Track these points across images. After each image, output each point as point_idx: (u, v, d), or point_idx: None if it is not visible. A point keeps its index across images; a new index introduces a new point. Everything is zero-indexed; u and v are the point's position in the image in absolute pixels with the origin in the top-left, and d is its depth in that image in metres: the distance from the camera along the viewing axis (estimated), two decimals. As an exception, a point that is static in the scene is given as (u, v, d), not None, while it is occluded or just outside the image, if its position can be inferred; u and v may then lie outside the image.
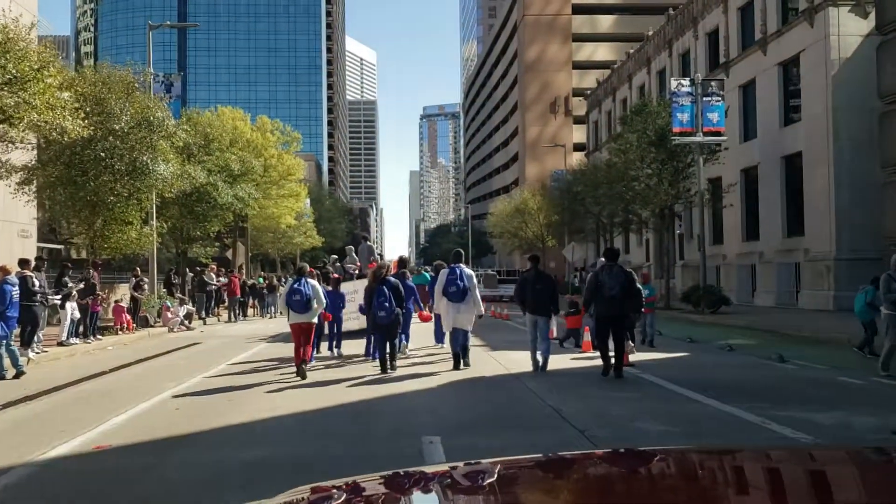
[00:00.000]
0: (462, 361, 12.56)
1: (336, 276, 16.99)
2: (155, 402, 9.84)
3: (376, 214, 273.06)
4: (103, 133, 18.74)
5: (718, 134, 28.53)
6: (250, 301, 34.45)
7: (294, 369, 12.19)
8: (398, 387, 10.74)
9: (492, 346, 16.45)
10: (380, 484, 2.02)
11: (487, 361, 13.58)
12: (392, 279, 12.90)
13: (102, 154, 18.71)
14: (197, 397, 10.20)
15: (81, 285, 17.68)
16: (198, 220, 28.26)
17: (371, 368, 12.95)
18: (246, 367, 13.97)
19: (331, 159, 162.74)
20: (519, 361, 13.18)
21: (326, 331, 15.55)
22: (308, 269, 13.52)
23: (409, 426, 7.81)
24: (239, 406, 9.28)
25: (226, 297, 29.99)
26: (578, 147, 72.21)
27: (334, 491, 1.89)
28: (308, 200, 59.90)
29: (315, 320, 12.52)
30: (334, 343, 15.65)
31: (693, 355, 14.67)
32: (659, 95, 36.25)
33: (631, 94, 50.24)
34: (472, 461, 2.21)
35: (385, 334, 12.32)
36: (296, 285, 12.15)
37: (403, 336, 15.62)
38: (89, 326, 18.16)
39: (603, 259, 12.22)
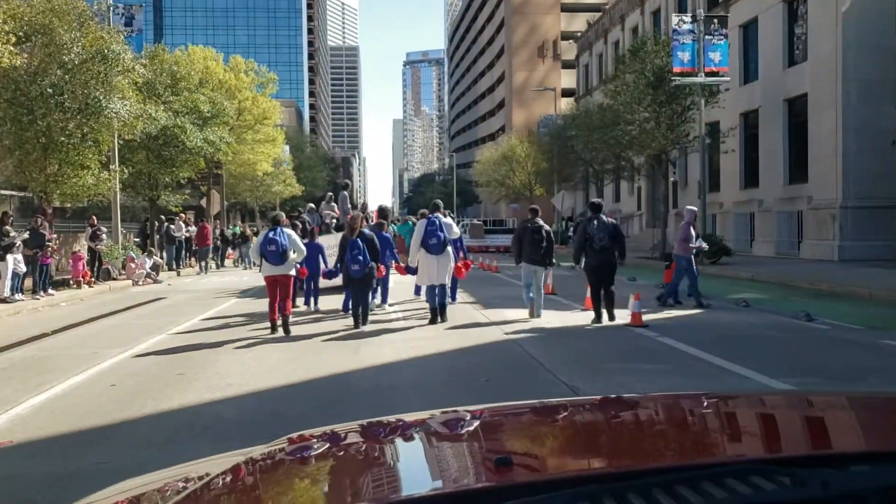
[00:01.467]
0: (440, 317, 12.00)
1: (312, 226, 15.36)
2: (91, 374, 8.28)
3: (359, 164, 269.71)
4: (50, 66, 16.79)
5: (720, 74, 26.84)
6: (228, 251, 32.94)
7: (265, 327, 11.20)
8: (378, 353, 9.20)
9: (484, 302, 14.93)
10: (359, 432, 2.00)
11: (480, 322, 12.06)
12: (367, 231, 12.09)
13: (50, 90, 16.78)
14: (142, 368, 8.64)
15: (26, 235, 15.95)
16: (165, 166, 26.34)
17: (345, 324, 11.51)
18: (209, 325, 12.45)
19: (312, 107, 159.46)
20: (516, 322, 11.72)
21: (305, 286, 14.26)
22: (283, 217, 12.06)
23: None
24: (188, 382, 7.73)
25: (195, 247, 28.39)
26: (567, 93, 70.09)
27: (314, 440, 1.90)
28: (287, 148, 57.76)
29: (293, 272, 11.56)
30: (312, 298, 14.47)
31: (707, 313, 13.23)
32: (654, 36, 34.30)
33: (624, 36, 48.13)
34: (452, 409, 2.19)
35: (359, 288, 11.63)
36: (271, 234, 11.21)
37: (382, 292, 14.46)
38: (39, 281, 16.49)
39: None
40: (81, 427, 6.06)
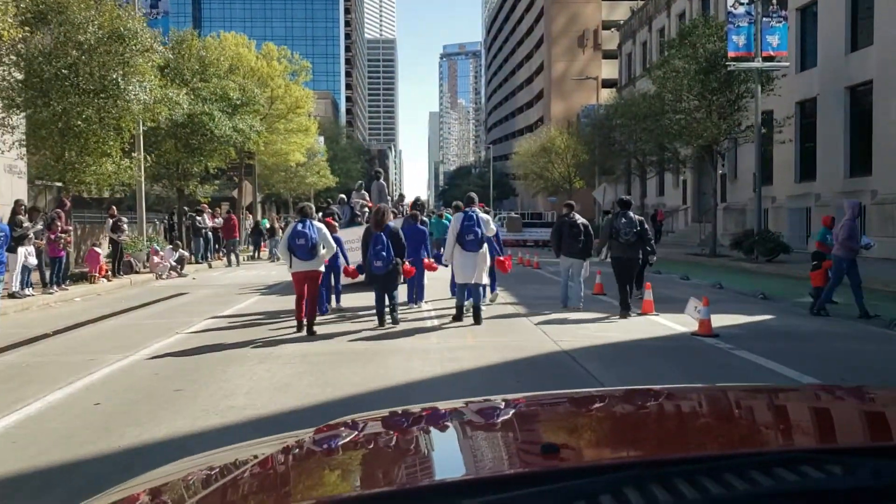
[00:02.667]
0: (475, 320, 11.11)
1: (329, 219, 14.10)
2: (78, 387, 7.15)
3: (395, 156, 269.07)
4: (65, 46, 15.80)
5: (777, 59, 25.08)
6: (263, 243, 32.02)
7: (287, 326, 10.46)
8: (407, 367, 7.93)
9: (526, 304, 13.58)
10: (385, 419, 2.00)
11: (525, 329, 10.72)
12: (392, 224, 11.02)
13: (65, 71, 15.78)
14: (137, 381, 7.49)
15: (40, 226, 14.99)
16: (193, 155, 25.35)
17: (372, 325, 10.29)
18: (227, 325, 11.33)
19: (349, 99, 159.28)
20: (565, 327, 10.39)
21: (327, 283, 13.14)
22: (312, 209, 10.99)
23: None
24: (185, 401, 6.55)
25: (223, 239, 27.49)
26: (607, 83, 68.03)
27: (342, 429, 1.91)
28: (322, 138, 56.79)
29: (322, 268, 10.78)
30: (334, 295, 13.46)
31: (781, 319, 11.76)
32: (705, 19, 32.41)
33: (670, 22, 46.19)
34: (486, 398, 2.24)
35: (382, 287, 10.79)
36: (299, 227, 10.35)
37: (418, 289, 13.33)
38: (53, 274, 15.54)
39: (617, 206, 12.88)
40: (37, 465, 4.88)
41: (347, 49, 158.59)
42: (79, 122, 16.31)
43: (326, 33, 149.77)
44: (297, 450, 1.74)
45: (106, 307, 14.17)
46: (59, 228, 15.41)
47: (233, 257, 26.28)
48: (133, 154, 19.42)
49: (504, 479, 1.33)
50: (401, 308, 12.43)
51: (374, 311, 11.13)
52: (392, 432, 1.87)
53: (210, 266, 25.60)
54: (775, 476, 1.12)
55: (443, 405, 2.07)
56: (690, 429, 1.79)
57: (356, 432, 1.89)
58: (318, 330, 10.50)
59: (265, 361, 8.25)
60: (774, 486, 1.09)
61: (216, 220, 26.81)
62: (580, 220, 12.77)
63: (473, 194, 11.83)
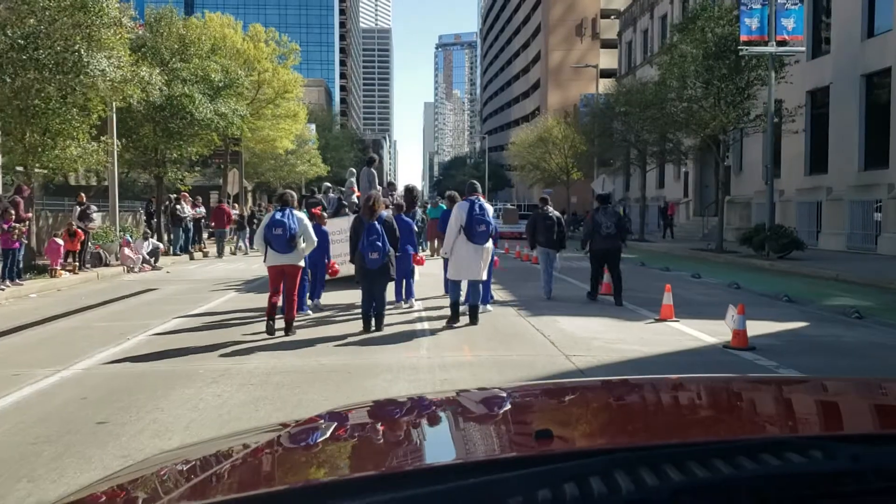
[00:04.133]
0: (471, 320, 10.02)
1: (317, 209, 12.73)
2: (-20, 415, 5.75)
3: (390, 146, 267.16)
4: (22, 14, 14.32)
5: (791, 44, 23.71)
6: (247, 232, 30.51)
7: (257, 331, 9.29)
8: (389, 390, 6.54)
9: (528, 305, 12.17)
10: (371, 410, 2.00)
11: (531, 337, 9.31)
12: (385, 213, 9.77)
13: (21, 41, 14.28)
14: (56, 408, 6.09)
15: (-10, 215, 13.54)
16: (172, 140, 23.85)
17: (355, 328, 8.88)
18: (190, 326, 9.93)
19: (343, 88, 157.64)
20: (577, 335, 9.01)
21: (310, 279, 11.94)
22: (293, 197, 9.79)
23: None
24: (103, 441, 5.15)
25: (213, 229, 26.12)
26: (606, 73, 66.48)
27: (327, 419, 1.88)
28: (313, 126, 55.24)
29: (302, 263, 9.69)
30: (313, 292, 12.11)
31: (817, 326, 10.40)
32: (714, 2, 30.93)
33: (673, 9, 44.75)
34: (483, 387, 2.37)
35: (374, 283, 9.54)
36: (278, 216, 9.31)
37: (406, 286, 12.04)
38: (6, 268, 14.10)
39: (597, 202, 13.44)
40: None
41: (342, 38, 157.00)
42: (36, 101, 14.81)
43: (321, 21, 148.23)
44: (283, 439, 1.73)
45: (61, 305, 12.74)
46: (13, 217, 13.93)
47: (220, 247, 24.98)
48: (102, 137, 17.89)
49: (498, 462, 1.36)
50: (387, 308, 11.14)
51: (356, 311, 9.83)
52: (380, 422, 1.86)
53: (192, 258, 24.22)
54: (761, 461, 1.13)
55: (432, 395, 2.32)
56: (681, 416, 1.84)
57: (344, 421, 1.86)
58: (293, 338, 9.16)
59: (219, 381, 6.83)
60: (758, 469, 1.11)
61: (197, 209, 25.31)
62: (553, 213, 13.22)
63: (476, 182, 10.47)
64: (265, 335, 9.36)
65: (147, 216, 27.04)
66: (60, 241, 16.12)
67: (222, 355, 8.16)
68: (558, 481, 1.07)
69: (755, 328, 9.72)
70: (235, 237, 28.53)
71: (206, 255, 25.31)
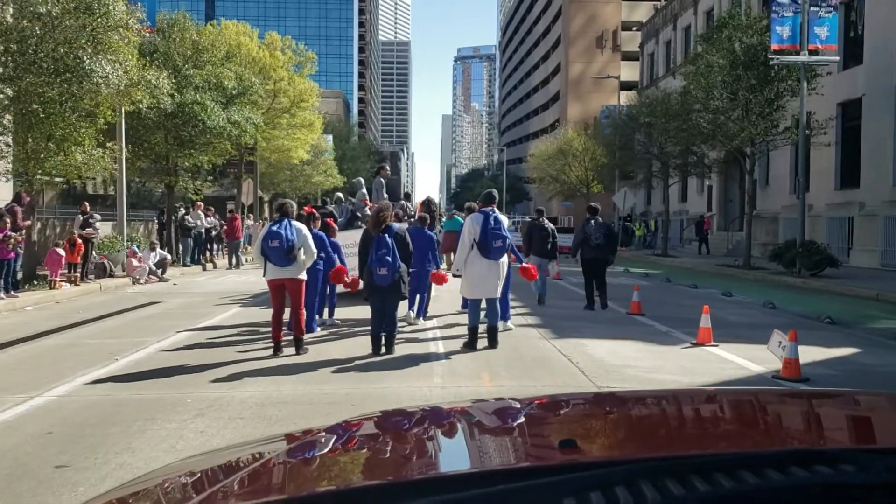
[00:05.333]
0: (490, 343, 9.14)
1: (329, 220, 12.01)
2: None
3: (407, 158, 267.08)
4: (22, 20, 13.72)
5: (823, 52, 22.77)
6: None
7: (262, 347, 8.79)
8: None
9: (551, 325, 11.32)
10: (373, 421, 1.97)
11: (555, 364, 8.44)
12: (395, 225, 8.92)
13: (14, 46, 13.67)
14: (15, 445, 5.32)
15: (-17, 224, 12.88)
16: (184, 148, 23.25)
17: (365, 350, 8.09)
18: (190, 343, 9.17)
19: (361, 100, 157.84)
20: (617, 369, 8.14)
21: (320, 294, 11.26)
22: (292, 207, 9.05)
23: None
24: (56, 492, 4.38)
25: (226, 240, 25.53)
26: (626, 86, 65.67)
27: (364, 422, 1.91)
28: (330, 137, 54.74)
29: (303, 276, 8.89)
30: (326, 308, 11.58)
31: (870, 353, 9.47)
32: (744, 9, 29.98)
33: (696, 20, 43.89)
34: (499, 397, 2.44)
35: (384, 301, 8.75)
36: (275, 227, 8.62)
37: (420, 302, 11.32)
38: (1, 279, 13.44)
39: (589, 215, 13.84)
40: None
41: (361, 50, 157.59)
42: (35, 106, 14.20)
43: (340, 33, 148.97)
44: (303, 446, 1.73)
45: (55, 319, 12.04)
46: (8, 226, 13.27)
47: (234, 259, 24.43)
48: (108, 143, 17.27)
49: (524, 470, 1.35)
50: (398, 326, 10.40)
51: (366, 327, 9.07)
52: (397, 433, 1.82)
53: (204, 269, 23.61)
54: (787, 473, 1.11)
55: (449, 406, 2.12)
56: (701, 428, 1.80)
57: (360, 430, 1.85)
58: (296, 360, 8.42)
59: (206, 413, 6.05)
60: (783, 481, 1.09)
61: (209, 218, 24.67)
62: (549, 224, 13.87)
63: (494, 191, 9.61)
64: (266, 354, 8.66)
65: (160, 226, 26.52)
66: (61, 252, 15.45)
67: (216, 380, 7.39)
68: (584, 490, 1.05)
69: (803, 355, 8.81)
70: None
71: (216, 266, 24.68)
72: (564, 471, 1.15)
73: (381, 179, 15.22)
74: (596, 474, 1.09)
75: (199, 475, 1.57)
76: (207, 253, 25.12)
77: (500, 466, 1.41)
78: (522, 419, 1.89)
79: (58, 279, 15.20)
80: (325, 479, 1.48)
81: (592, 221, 13.42)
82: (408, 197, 18.51)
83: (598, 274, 13.38)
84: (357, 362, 8.35)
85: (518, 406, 2.05)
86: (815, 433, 1.74)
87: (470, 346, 9.06)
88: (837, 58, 23.35)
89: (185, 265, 22.94)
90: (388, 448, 1.69)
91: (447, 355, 8.78)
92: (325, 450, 1.69)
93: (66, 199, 29.83)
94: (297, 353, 8.68)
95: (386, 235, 8.49)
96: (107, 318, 12.36)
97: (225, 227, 25.65)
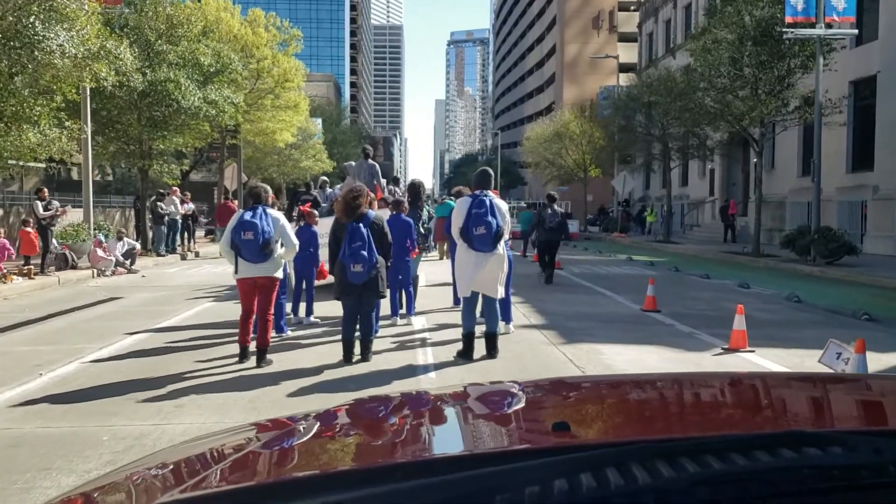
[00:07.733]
0: (489, 351, 7.73)
1: (306, 206, 10.66)
2: None
3: (400, 144, 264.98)
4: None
5: (837, 25, 21.35)
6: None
7: (227, 354, 7.72)
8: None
9: (558, 327, 9.89)
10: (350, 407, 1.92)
11: (562, 373, 7.02)
12: (371, 213, 7.46)
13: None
14: None
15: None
16: (157, 129, 21.72)
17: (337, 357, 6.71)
18: (143, 348, 7.79)
19: (353, 85, 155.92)
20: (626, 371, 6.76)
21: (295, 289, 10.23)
22: (267, 192, 7.66)
23: None
24: None
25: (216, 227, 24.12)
26: (623, 68, 64.10)
27: (352, 407, 1.88)
28: (319, 121, 53.13)
29: (279, 274, 7.69)
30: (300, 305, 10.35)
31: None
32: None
33: (697, -3, 42.35)
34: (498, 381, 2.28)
35: (358, 302, 7.46)
36: (247, 216, 7.38)
37: (406, 298, 10.01)
38: (-62, 273, 12.00)
39: (546, 201, 15.62)
40: None
41: (353, 34, 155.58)
42: (-22, 79, 12.71)
43: (331, 16, 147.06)
44: (299, 428, 1.69)
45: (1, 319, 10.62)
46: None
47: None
48: (68, 123, 15.75)
49: (517, 452, 1.36)
50: (382, 324, 9.11)
51: (339, 328, 7.73)
52: (392, 414, 1.81)
53: (183, 258, 22.18)
54: (777, 455, 1.11)
55: (447, 390, 2.10)
56: (697, 411, 1.80)
57: (347, 416, 1.82)
58: (256, 371, 7.07)
59: (120, 460, 4.62)
60: (772, 462, 1.09)
61: (186, 205, 23.19)
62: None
63: (488, 169, 8.14)
64: (227, 363, 7.32)
65: (136, 213, 25.07)
66: (4, 241, 13.96)
67: (151, 401, 6.00)
68: (576, 471, 1.05)
69: (879, 361, 7.46)
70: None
71: (197, 255, 23.23)
72: (556, 453, 1.17)
73: (372, 163, 13.73)
74: (588, 455, 1.07)
75: (171, 466, 1.47)
76: (188, 242, 23.66)
77: (491, 449, 1.42)
78: (516, 402, 1.85)
79: (5, 271, 13.72)
80: (311, 463, 1.43)
81: (549, 209, 15.19)
82: (396, 182, 17.05)
83: (552, 253, 15.35)
84: (326, 374, 7.00)
85: (512, 390, 2.00)
86: (809, 416, 1.72)
87: (464, 355, 7.62)
88: (856, 31, 21.90)
89: (159, 255, 21.46)
90: (378, 432, 1.65)
91: (436, 366, 7.39)
92: (310, 435, 1.64)
93: (50, 185, 28.31)
94: (259, 365, 7.31)
95: (360, 225, 7.09)
96: (53, 317, 10.93)
97: (217, 212, 24.26)
